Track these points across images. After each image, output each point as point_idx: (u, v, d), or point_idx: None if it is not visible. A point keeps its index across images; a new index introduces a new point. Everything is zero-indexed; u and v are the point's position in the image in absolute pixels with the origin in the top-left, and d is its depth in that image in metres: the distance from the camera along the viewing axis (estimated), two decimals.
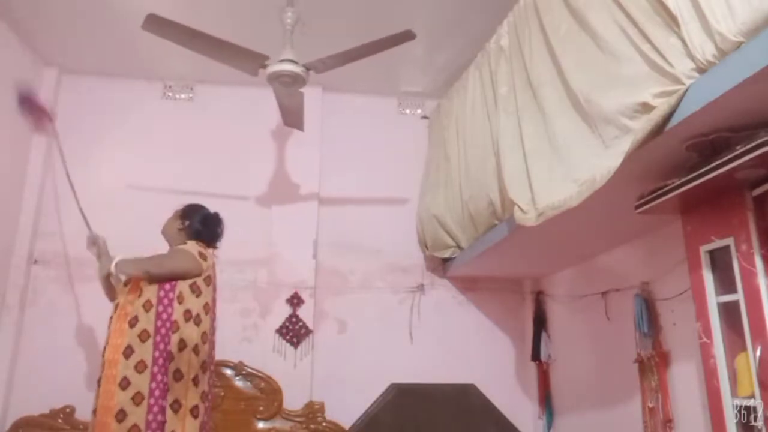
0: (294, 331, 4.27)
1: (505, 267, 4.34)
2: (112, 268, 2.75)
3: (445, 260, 4.48)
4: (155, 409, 2.51)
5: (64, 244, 4.18)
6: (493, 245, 3.53)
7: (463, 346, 4.51)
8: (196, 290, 2.74)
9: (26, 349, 4.00)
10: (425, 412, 3.68)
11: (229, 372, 4.08)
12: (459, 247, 4.15)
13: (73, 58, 4.40)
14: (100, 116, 4.53)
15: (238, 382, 4.06)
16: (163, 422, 2.51)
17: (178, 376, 2.59)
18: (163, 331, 2.61)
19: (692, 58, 1.85)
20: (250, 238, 4.41)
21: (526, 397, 4.57)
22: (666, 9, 1.93)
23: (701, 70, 1.83)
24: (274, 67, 3.17)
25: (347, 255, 4.56)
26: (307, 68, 3.20)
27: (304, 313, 4.32)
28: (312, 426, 4.01)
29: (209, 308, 2.77)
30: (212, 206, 4.38)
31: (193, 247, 2.83)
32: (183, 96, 4.70)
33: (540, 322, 4.44)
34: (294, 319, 4.30)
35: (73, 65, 4.47)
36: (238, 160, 4.56)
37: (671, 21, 1.92)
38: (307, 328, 4.30)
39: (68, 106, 4.50)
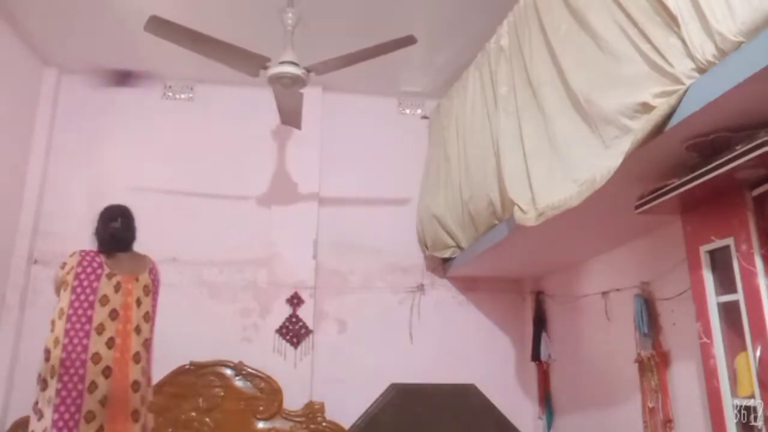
0: (294, 331, 4.28)
1: (505, 267, 4.34)
2: None
3: (445, 260, 4.48)
4: None
5: (64, 244, 4.17)
6: (493, 245, 3.53)
7: (463, 346, 4.51)
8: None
9: (26, 349, 4.00)
10: (425, 412, 3.68)
11: (229, 372, 4.08)
12: (459, 247, 4.15)
13: (73, 58, 4.40)
14: (100, 116, 4.53)
15: (238, 382, 4.07)
16: None
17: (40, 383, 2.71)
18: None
19: (692, 58, 1.85)
20: (250, 238, 4.41)
21: (526, 397, 4.57)
22: (666, 9, 1.93)
23: (701, 70, 1.83)
24: (275, 69, 3.17)
25: (347, 255, 4.56)
26: (308, 70, 3.21)
27: (304, 313, 4.33)
28: (312, 426, 4.01)
29: (62, 312, 2.75)
30: (212, 206, 4.47)
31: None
32: (183, 96, 4.70)
33: (540, 322, 4.44)
34: (294, 319, 4.30)
35: (73, 65, 4.47)
36: (238, 160, 4.56)
37: (671, 21, 1.92)
38: (307, 328, 4.30)
39: (68, 106, 4.51)
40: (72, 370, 2.67)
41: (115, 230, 2.98)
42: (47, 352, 2.69)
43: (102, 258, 2.89)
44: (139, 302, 2.92)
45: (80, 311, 2.76)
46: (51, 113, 4.43)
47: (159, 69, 4.54)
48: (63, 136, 4.46)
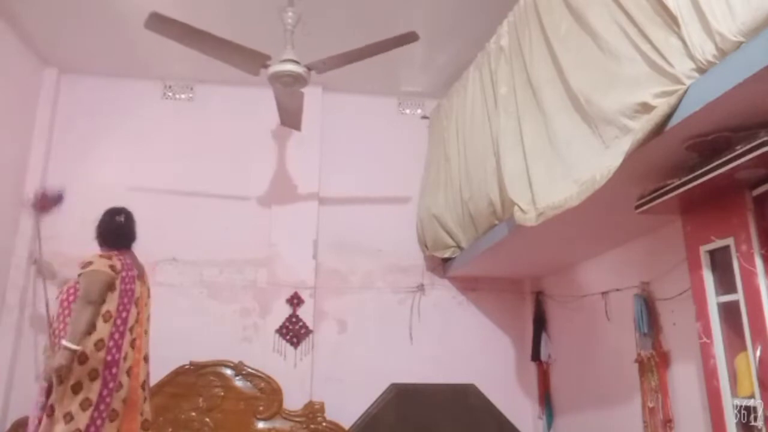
0: (294, 331, 4.27)
1: (505, 267, 4.34)
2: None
3: (445, 260, 4.48)
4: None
5: (64, 245, 4.17)
6: (493, 245, 3.53)
7: (463, 346, 4.51)
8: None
9: (26, 349, 4.01)
10: (425, 412, 3.69)
11: (229, 372, 4.08)
12: (459, 247, 4.15)
13: (73, 58, 4.40)
14: (100, 116, 4.54)
15: (238, 382, 4.06)
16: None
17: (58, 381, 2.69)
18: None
19: (692, 58, 1.85)
20: (250, 238, 4.42)
21: (526, 397, 4.57)
22: (666, 9, 1.93)
23: (701, 70, 1.83)
24: (276, 67, 3.17)
25: (347, 255, 4.56)
26: (309, 68, 3.20)
27: (304, 313, 4.33)
28: (312, 426, 4.01)
29: (110, 315, 2.77)
30: (212, 206, 4.47)
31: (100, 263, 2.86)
32: (183, 96, 4.71)
33: (540, 322, 4.44)
34: (294, 319, 4.30)
35: (73, 65, 4.47)
36: (238, 160, 4.56)
37: (671, 21, 1.92)
38: (307, 328, 4.30)
39: (68, 106, 4.51)
40: (114, 371, 2.74)
41: (121, 223, 3.03)
42: (83, 355, 2.68)
43: (131, 260, 2.95)
44: (147, 305, 3.01)
45: (123, 314, 2.82)
46: (51, 113, 4.43)
47: (159, 69, 4.54)
48: (63, 136, 4.46)
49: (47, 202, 3.85)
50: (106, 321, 2.75)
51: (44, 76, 4.45)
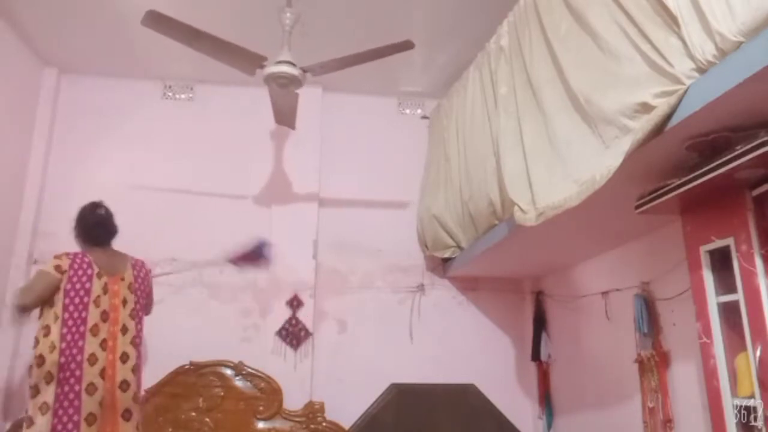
0: (293, 334, 4.27)
1: (505, 267, 4.34)
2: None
3: (445, 260, 4.48)
4: None
5: (64, 245, 4.17)
6: (493, 245, 3.53)
7: (463, 346, 4.51)
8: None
9: (26, 349, 4.00)
10: (425, 412, 3.69)
11: (229, 372, 4.08)
12: (459, 247, 4.15)
13: (73, 58, 4.40)
14: (100, 116, 4.54)
15: (238, 382, 4.06)
16: None
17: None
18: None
19: (692, 58, 1.85)
20: (250, 238, 4.40)
21: (526, 397, 4.57)
22: (666, 9, 1.93)
23: (701, 70, 1.83)
24: (272, 69, 3.17)
25: (347, 255, 4.56)
26: (305, 71, 3.21)
27: (304, 315, 4.32)
28: (312, 426, 4.01)
29: (56, 316, 2.74)
30: (212, 206, 4.46)
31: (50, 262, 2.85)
32: (183, 96, 4.71)
33: (540, 322, 4.44)
34: (293, 321, 4.30)
35: (73, 65, 4.47)
36: (237, 160, 4.56)
37: (671, 21, 1.92)
38: (306, 330, 4.29)
39: (68, 106, 4.51)
40: (68, 373, 2.68)
41: (101, 217, 2.99)
42: (40, 358, 2.68)
43: (90, 258, 2.88)
44: (125, 302, 2.90)
45: (75, 314, 2.75)
46: (51, 113, 4.43)
47: (159, 69, 4.54)
48: (63, 136, 4.46)
49: (252, 257, 3.71)
50: (54, 322, 2.72)
51: (44, 76, 4.44)
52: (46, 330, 2.72)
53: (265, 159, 4.60)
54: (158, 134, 4.57)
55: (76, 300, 2.77)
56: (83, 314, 2.76)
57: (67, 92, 4.53)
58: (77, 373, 2.69)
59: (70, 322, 2.73)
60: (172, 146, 4.54)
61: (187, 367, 4.04)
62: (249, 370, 4.09)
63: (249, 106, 4.56)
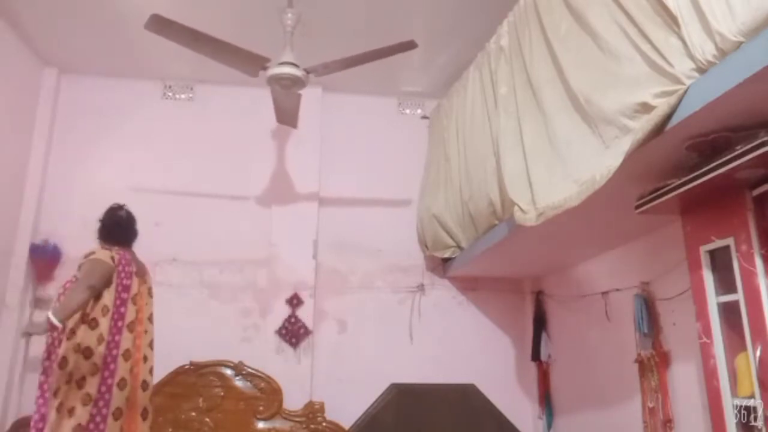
0: (293, 332, 4.27)
1: (505, 267, 4.34)
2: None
3: (445, 260, 4.48)
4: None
5: (64, 244, 4.18)
6: (493, 245, 3.53)
7: (463, 346, 4.51)
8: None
9: (26, 349, 4.00)
10: (425, 412, 3.68)
11: (229, 372, 4.08)
12: (459, 247, 4.15)
13: (73, 58, 4.40)
14: (100, 116, 4.54)
15: (238, 382, 4.06)
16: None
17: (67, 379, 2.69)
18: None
19: (692, 58, 1.85)
20: (250, 238, 4.42)
21: (526, 397, 4.57)
22: (666, 9, 1.93)
23: (701, 70, 1.83)
24: (275, 70, 3.17)
25: (347, 255, 4.56)
26: (308, 72, 3.21)
27: (304, 313, 4.32)
28: (312, 426, 4.01)
29: (107, 310, 2.77)
30: (212, 206, 4.46)
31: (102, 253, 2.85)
32: (183, 96, 4.71)
33: (540, 322, 4.44)
34: (293, 320, 4.30)
35: (73, 65, 4.48)
36: (238, 160, 4.56)
37: (671, 21, 1.92)
38: (306, 328, 4.30)
39: (68, 106, 4.51)
40: (112, 366, 2.73)
41: (121, 218, 3.03)
42: (88, 350, 2.68)
43: (128, 256, 2.93)
44: (147, 305, 2.98)
45: (122, 309, 2.81)
46: (51, 113, 4.43)
47: (159, 69, 4.54)
48: (63, 136, 4.46)
49: None
50: (104, 315, 2.74)
51: (44, 76, 4.45)
52: (94, 322, 2.72)
53: (265, 159, 4.60)
54: (158, 134, 4.57)
55: (123, 295, 2.83)
56: (122, 309, 2.81)
57: (67, 92, 4.53)
58: (112, 367, 2.73)
59: (116, 316, 2.79)
60: (172, 146, 4.54)
61: (187, 367, 4.04)
62: (249, 370, 4.09)
63: (249, 106, 4.57)
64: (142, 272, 3.00)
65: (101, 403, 2.68)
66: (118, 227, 2.99)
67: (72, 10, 3.80)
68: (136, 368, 2.82)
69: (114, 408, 2.70)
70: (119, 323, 2.79)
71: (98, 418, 2.65)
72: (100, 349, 2.70)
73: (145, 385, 2.86)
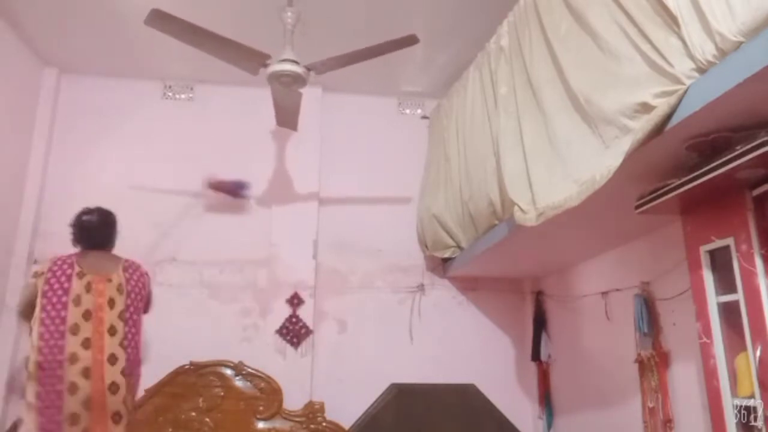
0: (294, 332, 4.27)
1: (505, 267, 4.34)
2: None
3: (445, 260, 4.48)
4: None
5: (64, 245, 4.16)
6: (493, 245, 3.53)
7: (463, 346, 4.51)
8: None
9: (26, 349, 3.99)
10: (425, 412, 3.68)
11: (229, 372, 4.08)
12: (459, 247, 4.15)
13: (73, 58, 4.40)
14: (100, 116, 4.53)
15: (238, 382, 4.06)
16: None
17: None
18: None
19: (692, 58, 1.85)
20: (250, 238, 4.42)
21: (526, 397, 4.57)
22: (666, 9, 1.93)
23: (701, 70, 1.83)
24: (275, 67, 3.16)
25: (347, 255, 4.56)
26: (308, 69, 3.20)
27: (304, 313, 4.32)
28: (312, 426, 4.01)
29: (36, 317, 2.76)
30: (212, 206, 4.46)
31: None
32: (183, 96, 4.71)
33: (540, 322, 4.44)
34: (294, 320, 4.30)
35: (73, 65, 4.47)
36: (238, 160, 4.56)
37: (671, 21, 1.92)
38: (307, 328, 4.30)
39: (68, 106, 4.51)
40: (49, 372, 2.65)
41: (88, 222, 2.97)
42: (26, 359, 2.71)
43: (74, 258, 2.87)
44: (112, 303, 2.84)
45: (53, 313, 2.72)
46: (51, 113, 4.43)
47: (159, 69, 4.54)
48: (63, 136, 4.46)
49: (230, 188, 4.29)
50: (34, 323, 2.73)
51: (44, 76, 4.44)
52: (30, 331, 2.75)
53: (266, 159, 4.60)
54: (158, 134, 4.57)
55: (54, 299, 2.74)
56: (62, 313, 2.72)
57: (67, 92, 4.53)
58: (58, 372, 2.65)
59: (48, 321, 2.70)
60: (172, 146, 4.54)
61: (187, 367, 4.04)
62: (249, 370, 4.09)
63: (249, 106, 4.56)
64: (99, 270, 2.86)
65: (53, 411, 2.60)
66: (82, 231, 2.96)
67: (72, 10, 3.80)
68: (99, 370, 2.69)
69: (68, 414, 2.61)
70: (61, 327, 2.70)
71: (52, 425, 2.59)
72: (34, 356, 2.67)
73: (114, 387, 2.71)
